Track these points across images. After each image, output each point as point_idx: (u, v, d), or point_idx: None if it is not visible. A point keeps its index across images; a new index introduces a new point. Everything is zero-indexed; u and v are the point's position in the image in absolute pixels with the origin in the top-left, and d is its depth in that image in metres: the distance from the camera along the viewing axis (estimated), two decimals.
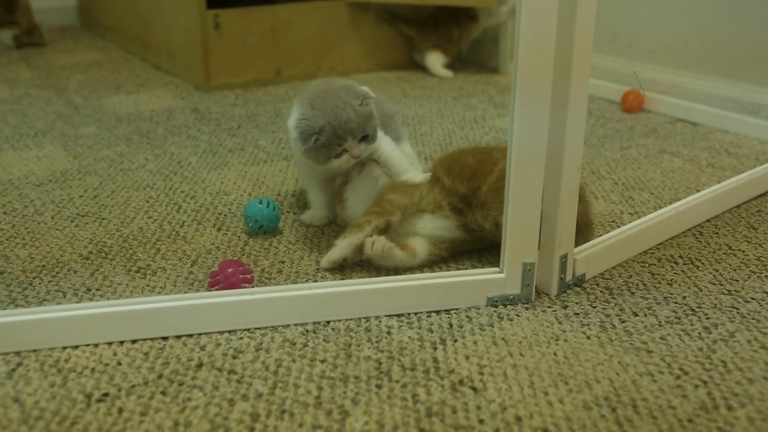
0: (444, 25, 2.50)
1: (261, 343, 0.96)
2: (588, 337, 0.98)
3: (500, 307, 1.05)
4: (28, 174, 1.56)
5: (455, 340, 0.97)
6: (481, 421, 0.82)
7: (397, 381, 0.89)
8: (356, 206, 1.22)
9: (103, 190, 1.47)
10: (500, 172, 1.11)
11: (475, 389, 0.87)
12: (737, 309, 1.05)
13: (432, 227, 1.17)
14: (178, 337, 0.98)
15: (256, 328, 1.00)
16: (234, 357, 0.94)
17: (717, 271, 1.16)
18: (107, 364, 0.92)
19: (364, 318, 1.03)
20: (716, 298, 1.08)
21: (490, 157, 1.17)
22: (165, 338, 0.97)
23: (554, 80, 0.96)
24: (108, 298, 1.07)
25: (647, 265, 1.18)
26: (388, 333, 0.99)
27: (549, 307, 1.06)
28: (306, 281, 1.13)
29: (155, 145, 1.76)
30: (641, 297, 1.08)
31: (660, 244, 1.25)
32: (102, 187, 1.49)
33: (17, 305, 1.06)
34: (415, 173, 1.24)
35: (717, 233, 1.29)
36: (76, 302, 1.06)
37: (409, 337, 0.98)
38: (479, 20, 2.50)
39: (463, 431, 0.80)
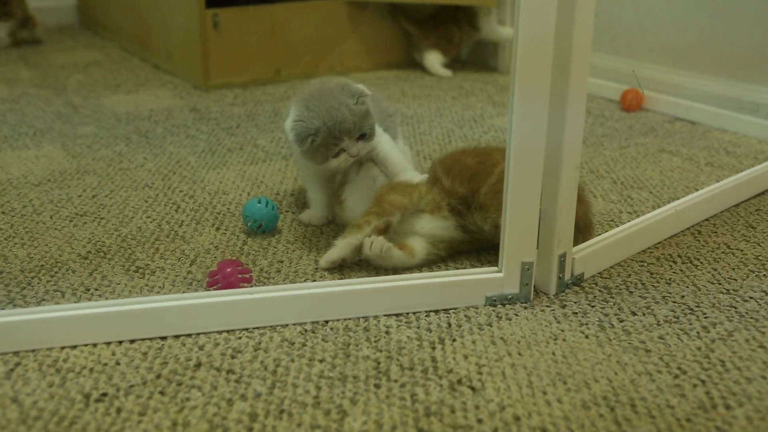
0: (445, 25, 2.50)
1: (259, 343, 0.96)
2: (586, 337, 0.98)
3: (499, 306, 1.05)
4: (26, 173, 1.56)
5: (454, 340, 0.97)
6: (479, 421, 0.82)
7: (396, 380, 0.89)
8: (355, 206, 1.22)
9: (102, 190, 1.47)
10: (500, 174, 1.10)
11: (473, 389, 0.87)
12: (735, 308, 1.05)
13: (431, 227, 1.17)
14: (177, 336, 0.98)
15: (254, 328, 1.00)
16: (232, 357, 0.94)
17: (715, 270, 1.16)
18: (106, 364, 0.92)
19: (363, 317, 1.03)
20: (715, 297, 1.08)
21: (490, 158, 1.17)
22: (163, 338, 0.97)
23: (553, 79, 0.96)
24: (106, 298, 1.07)
25: (646, 264, 1.18)
26: (387, 332, 0.99)
27: (547, 306, 1.06)
28: (305, 281, 1.13)
29: (154, 144, 1.76)
30: (640, 296, 1.08)
31: (659, 243, 1.25)
32: (101, 186, 1.49)
33: (16, 305, 1.05)
34: (413, 173, 1.24)
35: (715, 232, 1.29)
36: (75, 302, 1.06)
37: (408, 337, 0.98)
38: (480, 31, 2.50)
39: (462, 431, 0.80)
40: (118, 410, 0.83)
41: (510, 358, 0.93)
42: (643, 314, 1.03)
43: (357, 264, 1.17)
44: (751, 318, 1.02)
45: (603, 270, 1.16)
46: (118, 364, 0.92)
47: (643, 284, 1.12)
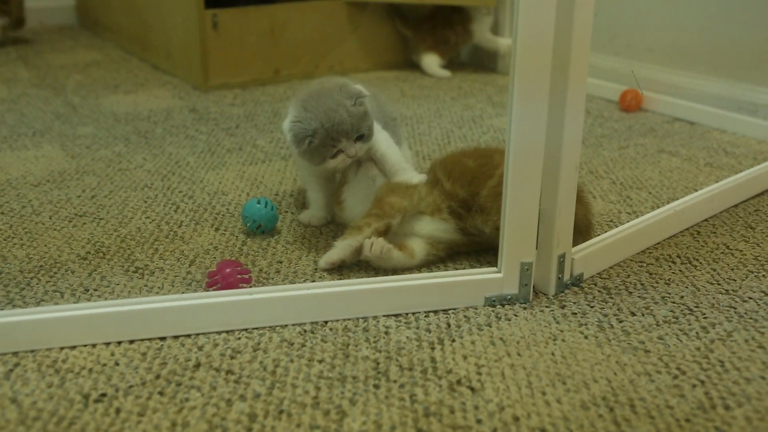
0: (440, 28, 2.50)
1: (259, 344, 0.96)
2: (586, 337, 0.98)
3: (498, 306, 1.05)
4: (25, 174, 1.56)
5: (453, 340, 0.97)
6: (478, 421, 0.82)
7: (395, 381, 0.89)
8: (354, 207, 1.22)
9: (101, 190, 1.47)
10: (500, 176, 1.10)
11: (472, 389, 0.87)
12: (735, 308, 1.05)
13: (430, 229, 1.17)
14: (176, 337, 0.98)
15: (253, 329, 1.00)
16: (232, 357, 0.94)
17: (715, 270, 1.16)
18: (105, 365, 0.92)
19: (362, 318, 1.03)
20: (714, 298, 1.08)
21: (490, 160, 1.17)
22: (163, 338, 0.97)
23: (552, 79, 0.96)
24: (106, 299, 1.07)
25: (645, 264, 1.18)
26: (386, 333, 0.99)
27: (547, 306, 1.06)
28: (304, 281, 1.13)
29: (153, 145, 1.76)
30: (639, 296, 1.08)
31: (658, 243, 1.25)
32: (100, 187, 1.49)
33: (15, 305, 1.05)
34: (412, 172, 1.23)
35: (715, 233, 1.29)
36: (74, 302, 1.06)
37: (407, 337, 0.98)
38: (473, 36, 2.50)
39: (461, 431, 0.80)
40: (117, 411, 0.83)
41: (509, 359, 0.93)
42: (643, 315, 1.03)
43: (356, 264, 1.17)
44: (751, 318, 1.03)
45: (602, 270, 1.16)
46: (117, 364, 0.92)
47: (642, 285, 1.12)
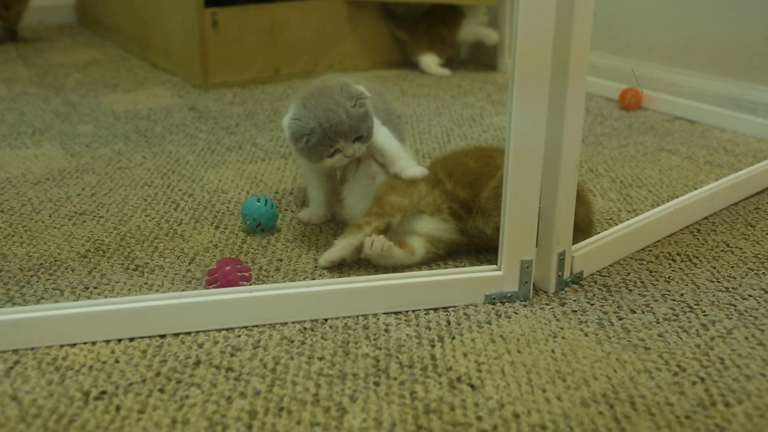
0: (435, 27, 2.50)
1: (259, 341, 0.96)
2: (586, 335, 0.98)
3: (498, 304, 1.05)
4: (25, 172, 1.56)
5: (453, 338, 0.97)
6: (479, 418, 0.82)
7: (395, 378, 0.89)
8: (354, 205, 1.22)
9: (101, 189, 1.47)
10: (502, 178, 1.10)
11: (472, 386, 0.87)
12: (735, 306, 1.05)
13: (430, 228, 1.17)
14: (176, 335, 0.98)
15: (253, 326, 1.00)
16: (232, 355, 0.94)
17: (714, 268, 1.16)
18: (105, 362, 0.92)
19: (362, 315, 1.03)
20: (714, 295, 1.08)
21: (492, 161, 1.16)
22: (163, 336, 0.97)
23: (552, 78, 0.96)
24: (106, 296, 1.07)
25: (645, 262, 1.18)
26: (386, 330, 0.99)
27: (547, 304, 1.06)
28: (304, 279, 1.13)
29: (153, 143, 1.76)
30: (639, 294, 1.08)
31: (658, 241, 1.25)
32: (100, 185, 1.49)
33: (15, 303, 1.05)
34: (410, 161, 1.22)
35: (715, 231, 1.29)
36: (74, 300, 1.06)
37: (407, 335, 0.98)
38: (462, 31, 2.50)
39: (461, 428, 0.80)
40: (118, 408, 0.83)
41: (509, 356, 0.93)
42: (643, 312, 1.04)
43: (356, 262, 1.17)
44: (750, 316, 1.03)
45: (602, 268, 1.16)
46: (117, 362, 0.92)
47: (642, 282, 1.12)
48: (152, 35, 2.61)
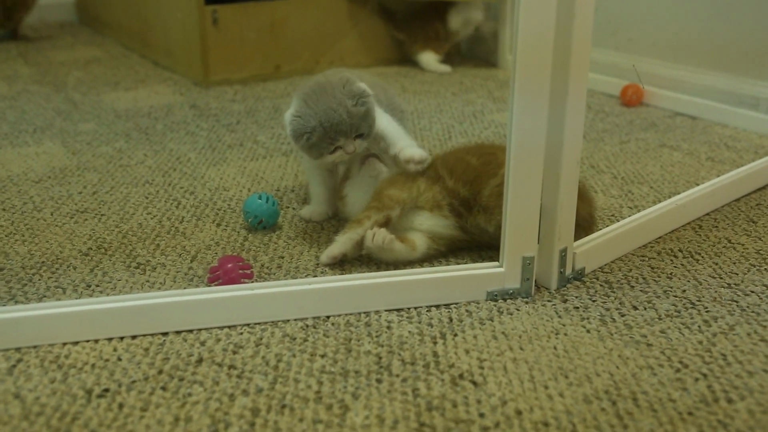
0: (429, 23, 2.50)
1: (261, 338, 0.97)
2: (588, 331, 0.98)
3: (500, 301, 1.05)
4: (27, 171, 1.56)
5: (455, 335, 0.97)
6: (481, 415, 0.82)
7: (398, 375, 0.89)
8: (356, 202, 1.22)
9: (102, 187, 1.47)
10: (503, 176, 1.10)
11: (475, 383, 0.87)
12: (737, 302, 1.05)
13: (430, 224, 1.17)
14: (178, 332, 0.98)
15: (255, 324, 1.00)
16: (234, 352, 0.94)
17: (716, 264, 1.16)
18: (107, 360, 0.92)
19: (364, 313, 1.03)
20: (716, 292, 1.08)
21: (494, 158, 1.16)
22: (165, 334, 0.97)
23: (553, 75, 0.96)
24: (108, 294, 1.07)
25: (647, 258, 1.18)
26: (388, 327, 0.99)
27: (549, 301, 1.06)
28: (306, 276, 1.13)
29: (154, 141, 1.76)
30: (641, 290, 1.08)
31: (659, 237, 1.25)
32: (101, 183, 1.49)
33: (17, 302, 1.06)
34: (409, 142, 1.21)
35: (716, 227, 1.29)
36: (76, 298, 1.06)
37: (409, 332, 0.98)
38: (453, 4, 2.48)
39: (464, 425, 0.80)
40: (120, 406, 0.83)
41: (511, 353, 0.93)
42: (645, 308, 1.03)
43: (358, 259, 1.17)
44: (753, 312, 1.03)
45: (604, 264, 1.16)
46: (119, 359, 0.92)
47: (644, 279, 1.12)
48: (153, 33, 2.60)
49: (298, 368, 0.90)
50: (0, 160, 1.63)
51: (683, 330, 0.98)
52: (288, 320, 1.01)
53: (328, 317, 1.01)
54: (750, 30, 1.87)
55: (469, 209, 1.16)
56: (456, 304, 1.05)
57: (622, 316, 1.02)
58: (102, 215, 1.34)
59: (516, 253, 1.04)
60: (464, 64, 2.58)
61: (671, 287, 1.09)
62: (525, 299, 1.06)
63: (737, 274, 1.13)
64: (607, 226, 1.19)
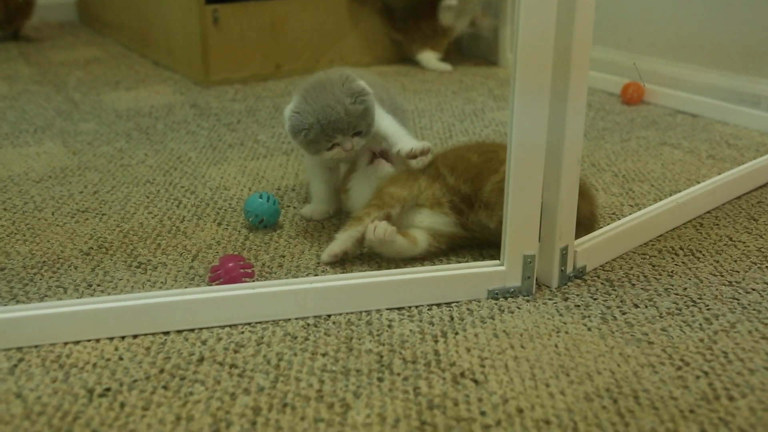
0: (425, 20, 2.49)
1: (262, 337, 0.97)
2: (589, 329, 0.98)
3: (501, 299, 1.05)
4: (28, 170, 1.56)
5: (456, 333, 0.97)
6: (482, 413, 0.82)
7: (399, 374, 0.89)
8: (360, 197, 1.21)
9: (103, 186, 1.47)
10: (505, 172, 1.10)
11: (476, 381, 0.87)
12: (738, 300, 1.05)
13: (430, 221, 1.17)
14: (180, 331, 0.98)
15: (257, 323, 1.00)
16: (235, 351, 0.94)
17: (718, 262, 1.16)
18: (109, 359, 0.92)
19: (365, 311, 1.03)
20: (717, 289, 1.08)
21: (495, 156, 1.16)
22: (166, 333, 0.97)
23: (554, 73, 0.96)
24: (109, 294, 1.08)
25: (648, 256, 1.18)
26: (389, 326, 0.99)
27: (550, 299, 1.06)
28: (307, 275, 1.13)
29: (155, 140, 1.76)
30: (642, 288, 1.08)
31: (660, 235, 1.25)
32: (102, 182, 1.49)
33: (18, 301, 1.06)
34: (410, 139, 1.21)
35: (717, 224, 1.29)
36: (77, 298, 1.06)
37: (410, 330, 0.98)
38: (440, 20, 2.49)
39: (465, 423, 0.80)
40: (122, 405, 0.83)
41: (512, 351, 0.93)
42: (646, 306, 1.03)
43: (359, 258, 1.17)
44: (754, 309, 1.02)
45: (605, 263, 1.16)
46: (121, 359, 0.92)
47: (645, 277, 1.12)
48: (153, 32, 2.60)
49: (299, 367, 0.90)
50: (1, 159, 1.63)
51: (684, 328, 0.98)
52: (289, 319, 1.01)
53: (329, 316, 1.02)
54: (751, 28, 1.86)
55: (470, 206, 1.16)
56: (457, 302, 1.05)
57: (623, 314, 1.02)
58: (103, 215, 1.34)
59: (517, 252, 1.04)
60: (464, 63, 2.58)
61: (672, 285, 1.09)
62: (526, 297, 1.06)
63: (738, 272, 1.13)
64: (608, 224, 1.19)
